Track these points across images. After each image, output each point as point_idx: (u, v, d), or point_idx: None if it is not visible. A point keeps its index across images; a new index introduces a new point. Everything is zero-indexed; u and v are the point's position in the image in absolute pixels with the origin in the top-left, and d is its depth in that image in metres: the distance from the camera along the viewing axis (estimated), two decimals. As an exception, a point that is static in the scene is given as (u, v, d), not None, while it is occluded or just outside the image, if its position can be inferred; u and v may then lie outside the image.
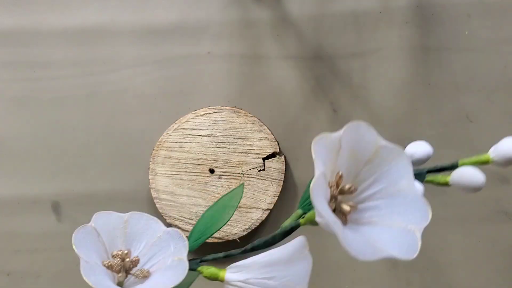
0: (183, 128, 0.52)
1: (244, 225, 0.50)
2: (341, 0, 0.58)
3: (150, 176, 0.51)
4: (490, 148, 0.31)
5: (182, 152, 0.52)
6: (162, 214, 0.51)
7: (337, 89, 0.56)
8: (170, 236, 0.27)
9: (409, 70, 0.57)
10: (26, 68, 0.56)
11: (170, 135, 0.52)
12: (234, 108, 0.53)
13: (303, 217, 0.28)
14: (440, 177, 0.28)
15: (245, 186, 0.50)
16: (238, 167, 0.51)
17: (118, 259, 0.26)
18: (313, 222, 0.26)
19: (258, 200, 0.50)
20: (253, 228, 0.51)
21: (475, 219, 0.54)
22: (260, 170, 0.51)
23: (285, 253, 0.25)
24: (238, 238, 0.50)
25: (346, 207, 0.24)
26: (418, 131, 0.55)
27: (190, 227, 0.50)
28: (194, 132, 0.52)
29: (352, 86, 0.56)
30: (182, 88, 0.56)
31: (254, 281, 0.26)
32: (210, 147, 0.52)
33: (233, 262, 0.27)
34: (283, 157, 0.52)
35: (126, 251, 0.27)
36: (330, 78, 0.57)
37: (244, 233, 0.50)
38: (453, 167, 0.29)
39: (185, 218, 0.51)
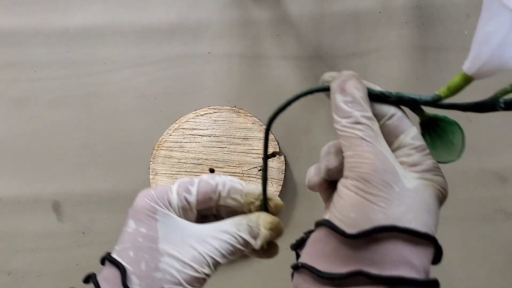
0: (183, 128, 0.53)
1: (244, 224, 0.51)
2: (341, 0, 0.58)
3: (151, 176, 0.52)
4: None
5: (182, 151, 0.52)
6: (162, 214, 0.51)
7: (336, 89, 0.56)
8: None
9: (408, 69, 0.57)
10: (26, 68, 0.56)
11: (170, 135, 0.52)
12: (234, 108, 0.53)
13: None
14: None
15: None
16: (238, 166, 0.51)
17: None
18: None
19: (258, 199, 0.51)
20: (253, 227, 0.51)
21: (474, 218, 0.55)
22: (260, 170, 0.51)
23: None
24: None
25: None
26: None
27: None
28: (194, 132, 0.52)
29: (351, 86, 0.56)
30: (182, 88, 0.56)
31: None
32: (210, 147, 0.52)
33: None
34: (283, 156, 0.52)
35: None
36: (329, 78, 0.57)
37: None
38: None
39: (186, 217, 0.51)
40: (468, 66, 0.25)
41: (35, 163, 0.55)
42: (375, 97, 0.28)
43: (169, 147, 0.52)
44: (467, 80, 0.26)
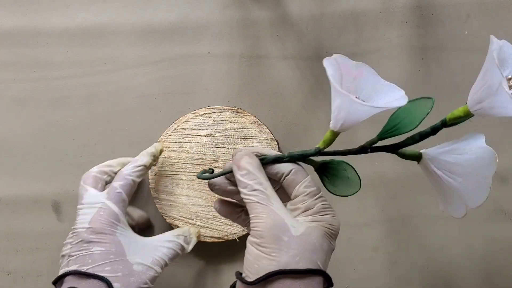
0: (183, 128, 0.53)
1: (244, 224, 0.51)
2: (341, 0, 0.58)
3: (150, 176, 0.52)
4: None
5: (182, 152, 0.52)
6: (161, 214, 0.51)
7: (336, 89, 0.56)
8: None
9: (408, 69, 0.57)
10: (26, 68, 0.56)
11: (169, 135, 0.52)
12: (233, 108, 0.53)
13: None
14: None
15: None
16: (238, 167, 0.51)
17: None
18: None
19: (258, 199, 0.50)
20: (253, 227, 0.51)
21: (474, 218, 0.55)
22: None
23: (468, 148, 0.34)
24: (237, 238, 0.51)
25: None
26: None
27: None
28: (193, 132, 0.52)
29: (351, 86, 0.56)
30: (182, 88, 0.56)
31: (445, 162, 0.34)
32: (210, 147, 0.52)
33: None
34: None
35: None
36: (329, 78, 0.57)
37: (244, 233, 0.51)
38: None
39: (185, 218, 0.51)
40: (333, 126, 0.34)
41: (35, 163, 0.55)
42: (274, 161, 0.36)
43: (169, 147, 0.52)
44: (335, 134, 0.35)
